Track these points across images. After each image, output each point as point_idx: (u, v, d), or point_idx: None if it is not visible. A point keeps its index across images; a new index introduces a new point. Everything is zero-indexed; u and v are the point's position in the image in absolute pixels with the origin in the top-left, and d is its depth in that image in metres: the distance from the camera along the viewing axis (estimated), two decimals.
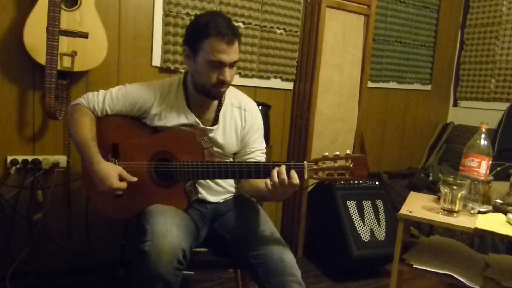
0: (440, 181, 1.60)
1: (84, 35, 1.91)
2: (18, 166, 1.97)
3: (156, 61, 2.26)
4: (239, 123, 1.58)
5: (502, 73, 3.26)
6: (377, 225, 2.45)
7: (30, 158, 1.99)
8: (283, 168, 1.25)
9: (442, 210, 1.57)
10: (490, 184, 1.67)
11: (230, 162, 1.56)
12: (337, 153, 1.25)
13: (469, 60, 3.51)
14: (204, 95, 1.49)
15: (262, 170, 1.32)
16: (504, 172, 2.12)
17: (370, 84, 2.96)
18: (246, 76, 2.53)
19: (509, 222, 1.48)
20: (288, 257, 1.36)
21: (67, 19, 1.86)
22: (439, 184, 1.61)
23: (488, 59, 3.35)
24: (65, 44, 1.86)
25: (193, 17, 2.06)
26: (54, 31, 1.78)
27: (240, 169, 1.35)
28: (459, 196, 1.54)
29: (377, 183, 2.63)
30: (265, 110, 2.35)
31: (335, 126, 2.72)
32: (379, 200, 2.55)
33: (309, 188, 2.65)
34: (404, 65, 3.26)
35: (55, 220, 2.11)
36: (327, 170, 1.25)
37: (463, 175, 1.66)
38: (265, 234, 1.45)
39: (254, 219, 1.52)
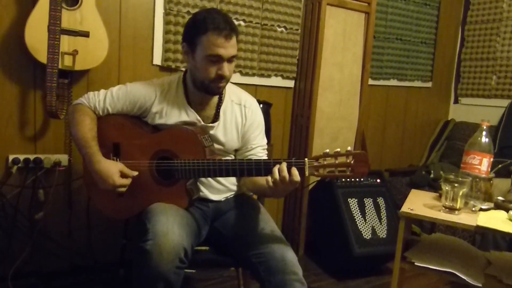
0: (441, 178, 1.59)
1: (85, 34, 1.91)
2: (19, 165, 1.97)
3: (157, 59, 2.26)
4: (240, 119, 1.58)
5: (503, 69, 3.26)
6: (379, 223, 2.45)
7: (31, 157, 2.00)
8: (284, 165, 1.25)
9: (443, 208, 1.57)
10: (491, 182, 1.66)
11: (231, 160, 1.56)
12: (338, 150, 1.25)
13: (469, 57, 3.50)
14: (203, 91, 1.49)
15: (263, 167, 1.32)
16: (506, 169, 2.11)
17: (370, 82, 2.96)
18: (246, 74, 2.53)
19: (510, 220, 1.48)
20: (290, 255, 1.36)
21: (68, 18, 1.86)
22: (440, 182, 1.60)
23: (489, 56, 3.35)
24: (66, 43, 1.87)
25: None
26: (55, 30, 1.78)
27: (241, 167, 1.35)
28: (460, 193, 1.53)
29: (378, 180, 2.64)
30: (266, 108, 2.35)
31: (336, 124, 2.72)
32: (380, 198, 2.55)
33: (310, 186, 2.65)
34: (404, 63, 3.26)
35: (56, 219, 2.11)
36: (328, 167, 1.25)
37: (464, 172, 1.65)
38: (266, 233, 1.45)
39: (255, 217, 1.52)
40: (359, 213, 2.44)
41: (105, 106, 1.53)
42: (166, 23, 2.23)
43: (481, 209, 1.58)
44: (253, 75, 2.56)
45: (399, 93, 3.33)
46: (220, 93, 1.54)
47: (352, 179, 2.54)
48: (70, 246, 2.15)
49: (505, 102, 3.17)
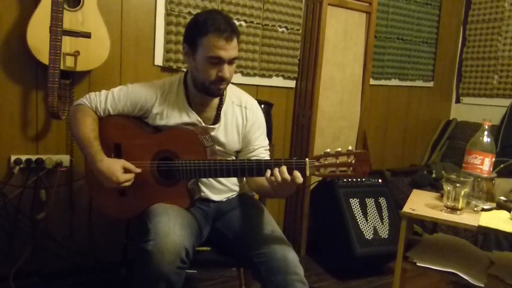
0: (443, 178, 1.59)
1: (87, 35, 1.91)
2: (21, 165, 1.98)
3: (158, 60, 2.26)
4: (241, 121, 1.58)
5: (504, 69, 3.25)
6: (380, 223, 2.45)
7: (33, 157, 2.00)
8: (284, 168, 1.25)
9: (445, 208, 1.56)
10: (493, 181, 1.66)
11: (232, 160, 1.56)
12: (339, 149, 1.25)
13: (471, 56, 3.50)
14: (204, 92, 1.49)
15: (264, 167, 1.32)
16: (508, 169, 2.11)
17: (372, 82, 2.96)
18: (248, 74, 2.53)
19: None
20: (291, 255, 1.36)
21: (69, 19, 1.87)
22: (442, 182, 1.60)
23: (491, 55, 3.34)
24: (67, 44, 1.87)
25: None
26: (57, 31, 1.78)
27: (242, 167, 1.35)
28: (462, 193, 1.53)
29: (380, 180, 2.63)
30: (267, 109, 2.35)
31: (337, 124, 2.71)
32: (382, 198, 2.54)
33: (312, 186, 2.65)
34: (406, 62, 3.25)
35: (58, 220, 2.12)
36: (329, 166, 1.25)
37: (466, 172, 1.65)
38: (267, 233, 1.45)
39: (256, 218, 1.52)
40: (361, 213, 2.43)
41: (106, 107, 1.53)
42: (168, 23, 2.23)
43: (483, 209, 1.58)
44: (254, 75, 2.56)
45: (401, 93, 3.32)
46: (220, 95, 1.53)
47: (354, 179, 2.54)
48: (72, 246, 2.15)
49: (507, 102, 3.16)
